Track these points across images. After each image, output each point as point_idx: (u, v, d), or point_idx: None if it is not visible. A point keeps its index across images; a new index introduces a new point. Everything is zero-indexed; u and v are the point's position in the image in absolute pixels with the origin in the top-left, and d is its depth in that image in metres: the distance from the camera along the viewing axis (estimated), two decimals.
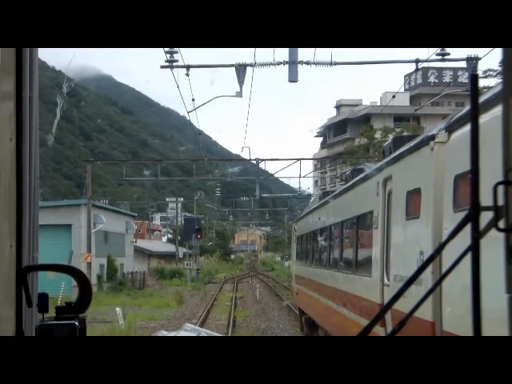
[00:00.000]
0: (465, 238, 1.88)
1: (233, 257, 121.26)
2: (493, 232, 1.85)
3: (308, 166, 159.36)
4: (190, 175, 55.97)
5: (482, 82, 48.91)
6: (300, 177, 43.78)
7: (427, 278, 7.44)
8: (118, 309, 26.37)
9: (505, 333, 1.90)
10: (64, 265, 2.94)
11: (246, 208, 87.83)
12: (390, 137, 32.22)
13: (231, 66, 22.26)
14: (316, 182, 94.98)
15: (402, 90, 73.57)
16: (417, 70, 24.34)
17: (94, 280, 42.99)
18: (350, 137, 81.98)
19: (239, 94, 22.65)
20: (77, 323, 2.45)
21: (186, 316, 31.61)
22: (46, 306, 2.52)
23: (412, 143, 9.66)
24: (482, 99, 6.06)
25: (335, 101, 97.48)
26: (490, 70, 47.88)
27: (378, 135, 58.69)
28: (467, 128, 6.58)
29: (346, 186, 16.11)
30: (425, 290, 2.01)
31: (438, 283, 2.19)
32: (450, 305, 7.42)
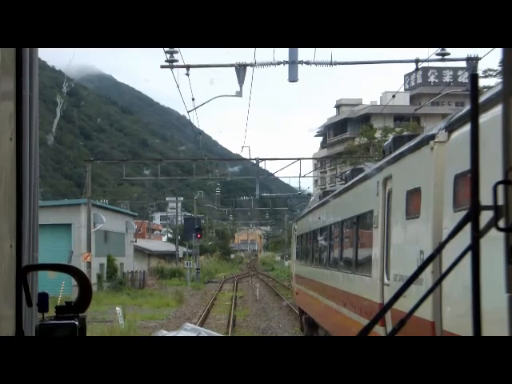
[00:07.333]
0: (465, 238, 1.88)
1: (233, 256, 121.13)
2: (493, 231, 1.85)
3: (308, 166, 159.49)
4: (190, 175, 55.92)
5: (481, 82, 48.93)
6: (300, 176, 43.86)
7: (427, 277, 7.44)
8: (118, 308, 26.37)
9: (505, 333, 1.90)
10: (64, 264, 2.94)
11: (245, 207, 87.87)
12: (390, 136, 32.20)
13: (231, 65, 22.26)
14: (316, 181, 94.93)
15: (402, 89, 73.54)
16: (417, 69, 24.31)
17: (93, 279, 43.00)
18: (350, 136, 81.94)
19: (239, 94, 22.65)
20: (77, 323, 2.45)
21: (186, 315, 31.60)
22: (45, 306, 2.52)
23: (412, 143, 9.66)
24: (481, 99, 6.05)
25: (335, 100, 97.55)
26: (489, 69, 47.95)
27: (377, 135, 58.73)
28: (467, 128, 6.58)
29: (346, 185, 16.10)
30: (425, 290, 2.01)
31: (437, 283, 2.19)
32: (450, 304, 7.42)
